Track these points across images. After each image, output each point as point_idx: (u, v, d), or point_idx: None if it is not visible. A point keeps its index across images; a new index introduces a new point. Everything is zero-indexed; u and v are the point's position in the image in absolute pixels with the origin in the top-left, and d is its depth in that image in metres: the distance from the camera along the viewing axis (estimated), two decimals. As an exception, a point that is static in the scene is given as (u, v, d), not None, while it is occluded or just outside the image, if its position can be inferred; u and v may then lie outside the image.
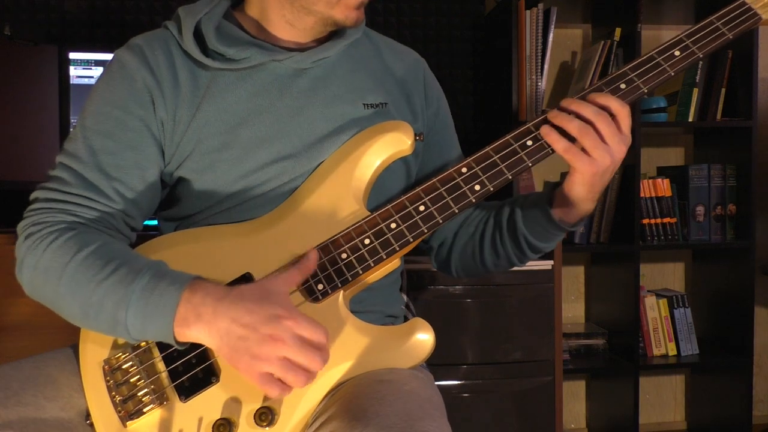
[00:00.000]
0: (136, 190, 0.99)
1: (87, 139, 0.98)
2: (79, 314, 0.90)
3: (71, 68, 1.96)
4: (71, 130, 1.05)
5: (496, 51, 2.36)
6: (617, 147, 0.93)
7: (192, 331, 0.85)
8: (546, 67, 2.26)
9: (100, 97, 1.00)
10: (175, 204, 1.06)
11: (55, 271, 0.89)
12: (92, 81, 1.98)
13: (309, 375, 0.83)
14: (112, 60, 1.03)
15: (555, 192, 1.03)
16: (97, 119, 0.99)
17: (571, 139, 0.94)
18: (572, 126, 0.93)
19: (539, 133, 0.96)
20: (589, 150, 0.93)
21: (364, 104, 1.06)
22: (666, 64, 0.98)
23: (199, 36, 1.03)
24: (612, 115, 0.94)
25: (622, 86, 0.97)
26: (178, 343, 0.87)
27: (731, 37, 0.99)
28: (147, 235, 1.04)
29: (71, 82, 1.96)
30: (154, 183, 1.01)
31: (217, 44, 1.01)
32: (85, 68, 1.98)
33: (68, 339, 1.03)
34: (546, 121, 0.97)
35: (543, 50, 2.26)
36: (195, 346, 0.91)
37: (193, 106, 1.00)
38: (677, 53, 0.99)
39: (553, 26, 2.25)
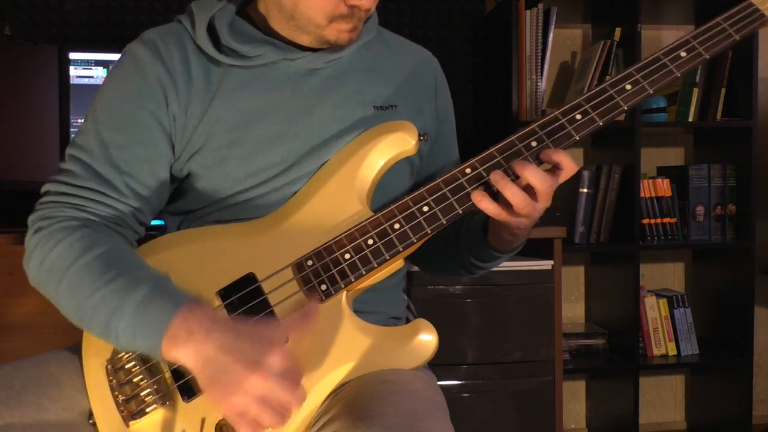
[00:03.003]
0: (146, 185, 0.99)
1: (99, 132, 0.98)
2: (74, 315, 0.89)
3: (71, 68, 1.96)
4: (82, 122, 1.05)
5: (496, 51, 2.36)
6: (545, 205, 0.94)
7: (180, 351, 0.82)
8: (546, 67, 2.26)
9: (112, 90, 1.00)
10: (181, 198, 1.05)
11: (58, 272, 0.89)
12: (92, 81, 1.98)
13: (284, 416, 0.79)
14: (124, 53, 1.03)
15: (488, 221, 1.04)
16: (109, 113, 0.99)
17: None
18: (511, 194, 0.91)
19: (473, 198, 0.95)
20: (518, 210, 0.92)
21: (374, 106, 1.06)
22: (672, 65, 0.98)
23: (212, 32, 1.02)
24: (558, 169, 0.93)
25: (628, 87, 0.97)
26: (163, 360, 0.86)
27: (738, 38, 0.98)
28: (149, 235, 1.04)
29: (71, 82, 1.96)
30: (164, 178, 1.01)
31: (230, 40, 1.01)
32: (85, 68, 1.97)
33: (69, 339, 1.02)
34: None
35: (543, 50, 2.26)
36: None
37: (205, 101, 1.00)
38: (683, 54, 0.98)
39: (553, 26, 2.26)
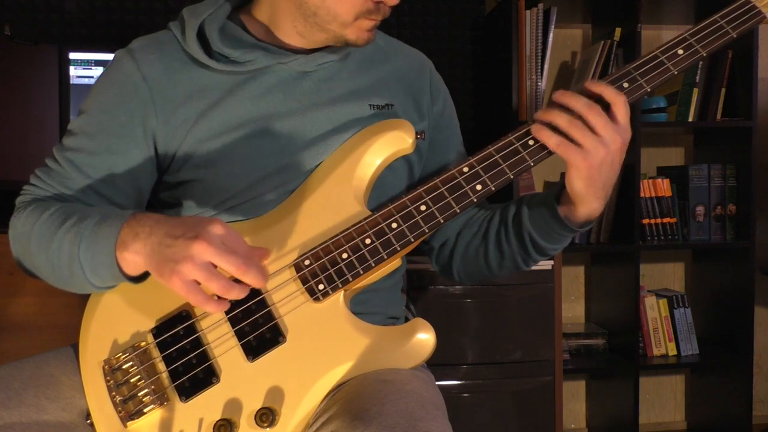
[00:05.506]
0: (107, 195, 1.02)
1: (75, 137, 1.02)
2: (48, 267, 0.94)
3: (71, 68, 1.96)
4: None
5: (496, 51, 2.36)
6: (611, 136, 0.91)
7: (129, 252, 0.87)
8: (546, 67, 2.26)
9: (93, 96, 1.04)
10: (178, 204, 1.05)
11: (26, 234, 0.95)
12: (92, 81, 1.98)
13: (231, 284, 0.84)
14: (111, 60, 1.05)
15: (562, 190, 1.02)
16: (85, 119, 1.03)
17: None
18: (560, 120, 0.92)
19: (533, 131, 0.95)
20: (579, 141, 0.91)
21: (369, 105, 1.05)
22: (669, 62, 0.97)
23: (202, 37, 1.02)
24: (607, 105, 0.93)
25: (625, 85, 0.97)
26: (124, 274, 0.89)
27: (735, 35, 0.98)
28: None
29: (71, 82, 1.96)
30: (131, 189, 1.03)
31: (221, 46, 1.01)
32: (85, 68, 1.97)
33: (68, 338, 1.03)
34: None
35: (543, 50, 2.26)
36: (195, 345, 0.91)
37: (194, 108, 1.00)
38: (681, 52, 0.98)
39: (553, 26, 2.25)
